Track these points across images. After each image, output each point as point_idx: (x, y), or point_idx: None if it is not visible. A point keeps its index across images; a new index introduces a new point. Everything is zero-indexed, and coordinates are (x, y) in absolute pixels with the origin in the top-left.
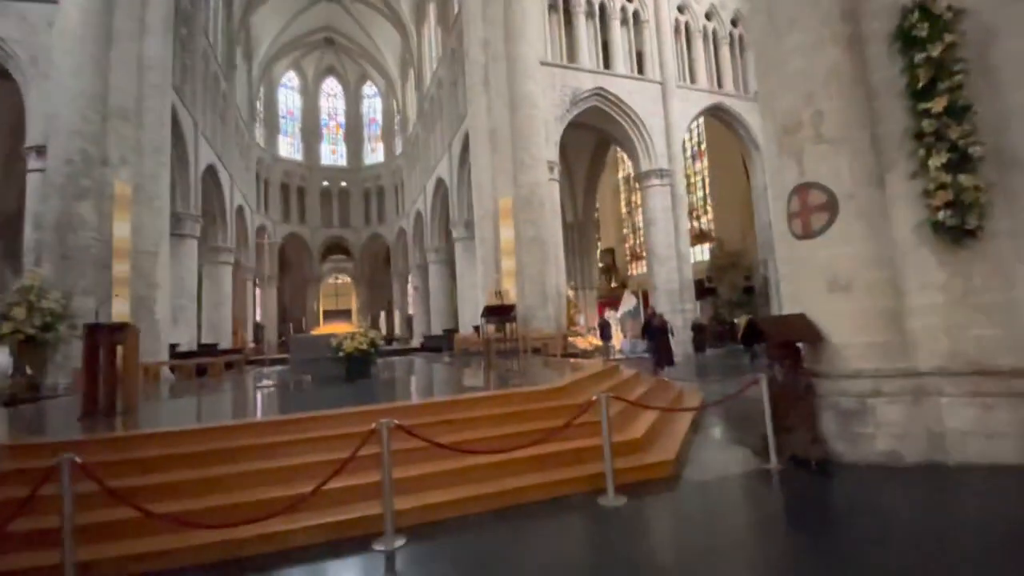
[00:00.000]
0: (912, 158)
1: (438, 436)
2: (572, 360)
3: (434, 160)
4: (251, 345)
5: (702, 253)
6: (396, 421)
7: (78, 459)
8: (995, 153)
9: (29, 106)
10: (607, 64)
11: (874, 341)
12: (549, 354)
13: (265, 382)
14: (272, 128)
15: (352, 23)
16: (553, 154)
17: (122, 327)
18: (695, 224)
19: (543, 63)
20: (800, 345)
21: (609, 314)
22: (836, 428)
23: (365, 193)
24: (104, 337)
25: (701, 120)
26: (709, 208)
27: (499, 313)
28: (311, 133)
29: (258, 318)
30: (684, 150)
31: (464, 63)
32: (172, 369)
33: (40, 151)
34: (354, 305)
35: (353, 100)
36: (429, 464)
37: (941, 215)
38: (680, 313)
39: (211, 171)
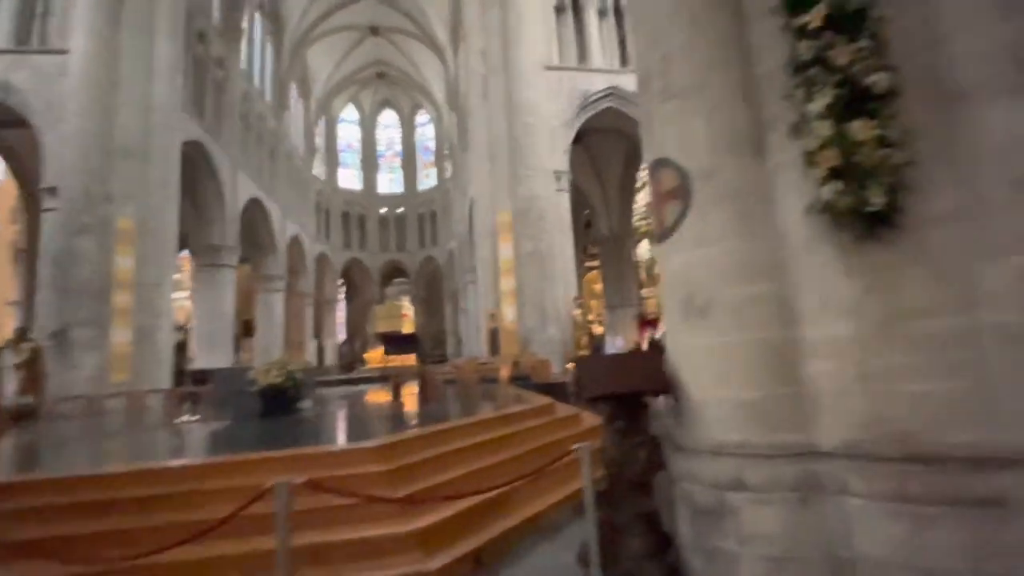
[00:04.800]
0: (793, 104)
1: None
2: (523, 393)
3: (468, 180)
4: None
5: None
6: None
7: None
8: (920, 82)
9: (45, 151)
10: (624, 62)
11: (744, 397)
12: (538, 383)
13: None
14: (332, 161)
15: (399, 55)
16: (561, 163)
17: None
18: None
19: (548, 67)
20: (648, 400)
21: (648, 334)
22: (691, 534)
23: (419, 217)
24: None
25: None
26: None
27: (396, 342)
28: (370, 163)
29: (329, 339)
30: None
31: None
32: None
33: (51, 191)
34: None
35: (408, 129)
36: None
37: (826, 190)
38: None
39: (257, 204)
